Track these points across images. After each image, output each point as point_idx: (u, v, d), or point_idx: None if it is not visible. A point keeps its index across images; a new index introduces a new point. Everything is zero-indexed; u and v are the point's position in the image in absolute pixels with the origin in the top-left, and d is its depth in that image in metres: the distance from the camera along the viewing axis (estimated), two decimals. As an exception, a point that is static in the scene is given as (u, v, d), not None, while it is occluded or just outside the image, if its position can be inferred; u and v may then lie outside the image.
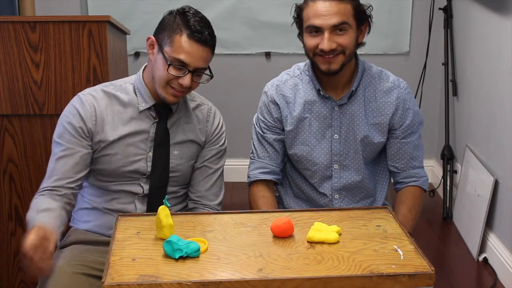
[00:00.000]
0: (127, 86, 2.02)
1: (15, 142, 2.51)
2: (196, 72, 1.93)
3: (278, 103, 2.14)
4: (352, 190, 2.17)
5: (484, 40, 3.27)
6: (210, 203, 2.09)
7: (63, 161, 1.94)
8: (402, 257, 1.54)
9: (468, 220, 3.31)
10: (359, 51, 2.10)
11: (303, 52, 2.11)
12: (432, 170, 4.06)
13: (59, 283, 1.81)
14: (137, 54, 4.12)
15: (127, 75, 2.64)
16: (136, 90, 2.00)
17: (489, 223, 3.10)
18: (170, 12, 1.94)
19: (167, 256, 1.54)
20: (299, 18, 2.06)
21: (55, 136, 1.98)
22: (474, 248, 3.15)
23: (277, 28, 3.90)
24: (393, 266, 1.49)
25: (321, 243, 1.60)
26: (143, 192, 2.02)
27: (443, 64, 3.81)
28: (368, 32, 2.09)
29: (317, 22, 1.97)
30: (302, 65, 2.18)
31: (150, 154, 2.01)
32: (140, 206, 2.03)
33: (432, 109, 4.03)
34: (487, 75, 3.22)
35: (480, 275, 3.02)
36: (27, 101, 2.47)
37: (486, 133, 3.22)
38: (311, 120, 2.12)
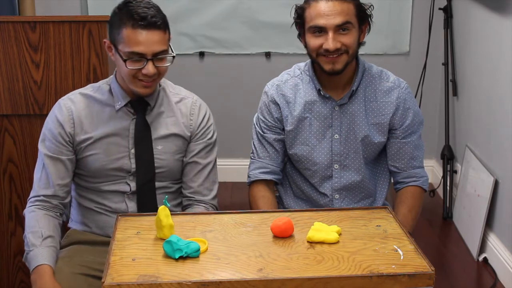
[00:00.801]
0: (104, 87, 2.04)
1: (15, 142, 2.51)
2: (157, 57, 1.90)
3: (279, 103, 2.14)
4: (352, 190, 2.17)
5: (484, 40, 3.27)
6: (204, 198, 2.08)
7: (47, 168, 1.98)
8: (402, 257, 1.54)
9: (468, 220, 3.31)
10: (359, 51, 2.11)
11: (303, 52, 2.11)
12: (432, 170, 4.06)
13: (58, 283, 1.82)
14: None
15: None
16: (112, 90, 2.02)
17: (489, 223, 3.10)
18: (114, 9, 1.93)
19: (167, 256, 1.54)
20: (300, 18, 2.05)
21: (38, 144, 2.02)
22: (474, 248, 3.15)
23: (277, 28, 3.90)
24: (393, 266, 1.49)
25: (321, 243, 1.60)
26: (131, 189, 2.02)
27: (443, 64, 3.81)
28: (368, 32, 2.09)
29: (321, 22, 1.97)
30: (302, 65, 2.18)
31: (133, 151, 2.01)
32: (131, 204, 2.03)
33: (432, 109, 4.03)
34: (487, 75, 3.22)
35: (480, 275, 3.02)
36: (27, 101, 2.47)
37: (486, 133, 3.22)
38: (311, 120, 2.12)
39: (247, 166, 2.22)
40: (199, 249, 1.54)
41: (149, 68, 1.88)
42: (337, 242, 1.61)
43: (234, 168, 3.96)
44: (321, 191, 2.16)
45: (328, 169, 2.14)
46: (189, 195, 2.09)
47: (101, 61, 2.46)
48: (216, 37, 3.91)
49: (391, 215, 1.78)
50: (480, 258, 3.10)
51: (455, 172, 3.69)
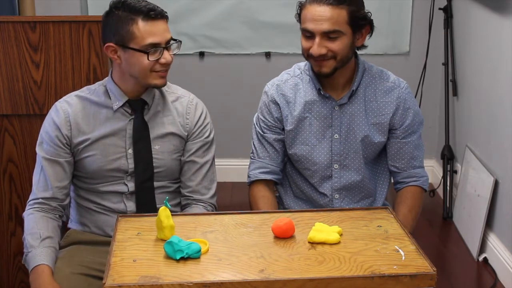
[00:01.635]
0: (99, 88, 2.04)
1: (15, 142, 2.51)
2: (168, 45, 1.95)
3: (279, 102, 2.14)
4: (352, 190, 2.17)
5: (484, 40, 3.27)
6: (202, 197, 2.08)
7: (45, 171, 1.98)
8: (403, 257, 1.54)
9: (468, 220, 3.31)
10: (359, 52, 2.10)
11: (303, 52, 2.11)
12: (432, 170, 4.06)
13: (57, 283, 1.82)
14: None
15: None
16: (108, 91, 2.02)
17: (489, 223, 3.10)
18: (108, 13, 1.94)
19: (168, 257, 1.53)
20: (300, 17, 2.06)
21: (36, 147, 2.02)
22: (474, 248, 3.15)
23: (277, 28, 3.90)
24: (395, 267, 1.49)
25: (322, 243, 1.60)
26: (128, 190, 2.02)
27: (443, 64, 3.81)
28: (370, 35, 2.09)
29: (309, 26, 1.98)
30: (302, 65, 2.18)
31: (130, 151, 2.01)
32: (130, 204, 2.03)
33: (432, 109, 4.02)
34: (487, 75, 3.22)
35: (480, 275, 3.02)
36: (27, 101, 2.47)
37: (486, 133, 3.22)
38: (311, 120, 2.12)
39: (247, 166, 2.22)
40: (200, 250, 1.54)
41: (167, 56, 1.94)
42: (338, 242, 1.61)
43: (234, 168, 3.96)
44: (321, 191, 2.16)
45: (328, 169, 2.14)
46: (187, 194, 2.09)
47: (101, 61, 2.45)
48: (216, 37, 3.90)
49: (392, 216, 1.78)
50: (480, 258, 3.11)
51: (455, 172, 3.69)
